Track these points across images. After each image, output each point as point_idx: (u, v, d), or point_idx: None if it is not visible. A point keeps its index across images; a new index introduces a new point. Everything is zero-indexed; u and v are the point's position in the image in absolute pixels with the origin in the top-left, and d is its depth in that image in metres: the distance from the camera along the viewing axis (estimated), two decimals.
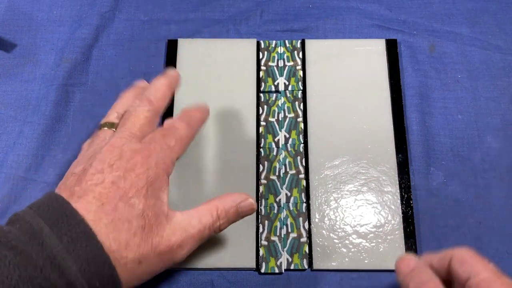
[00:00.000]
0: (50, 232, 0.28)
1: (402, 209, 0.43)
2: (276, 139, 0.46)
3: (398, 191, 0.44)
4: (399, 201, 0.43)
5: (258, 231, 0.42)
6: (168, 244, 0.32)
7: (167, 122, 0.37)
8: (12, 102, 0.48)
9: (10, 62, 0.50)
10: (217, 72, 0.48)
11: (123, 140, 0.33)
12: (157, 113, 0.37)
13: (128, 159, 0.31)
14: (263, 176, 0.44)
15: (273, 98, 0.47)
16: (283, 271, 0.41)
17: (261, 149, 0.45)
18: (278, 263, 0.41)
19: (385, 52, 0.49)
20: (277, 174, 0.44)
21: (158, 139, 0.34)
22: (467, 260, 0.30)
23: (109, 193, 0.30)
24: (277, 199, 0.43)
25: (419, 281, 0.30)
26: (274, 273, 0.42)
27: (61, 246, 0.27)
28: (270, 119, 0.47)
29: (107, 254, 0.28)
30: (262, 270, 0.41)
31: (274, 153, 0.45)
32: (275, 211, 0.43)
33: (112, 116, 0.38)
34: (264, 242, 0.42)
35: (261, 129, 0.46)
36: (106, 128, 0.37)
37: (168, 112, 0.47)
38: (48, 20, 0.52)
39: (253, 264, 0.41)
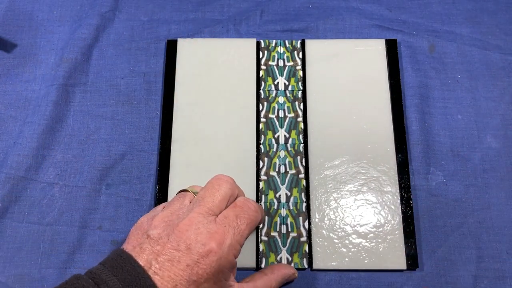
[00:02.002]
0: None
1: (402, 209, 0.43)
2: (276, 136, 0.46)
3: (398, 191, 0.44)
4: (399, 201, 0.43)
5: (258, 227, 0.42)
6: None
7: (240, 200, 0.38)
8: (12, 102, 0.48)
9: (10, 62, 0.50)
10: (217, 72, 0.48)
11: (201, 217, 0.34)
12: (234, 196, 0.38)
13: (204, 244, 0.33)
14: (263, 172, 0.44)
15: (273, 95, 0.47)
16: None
17: (261, 146, 0.45)
18: (278, 258, 0.42)
19: (385, 52, 0.49)
20: (277, 170, 0.45)
21: (231, 220, 0.35)
22: None
23: (183, 276, 0.31)
24: (277, 195, 0.44)
25: None
26: None
27: None
28: (270, 115, 0.47)
29: None
30: (262, 266, 0.41)
31: (274, 150, 0.45)
32: (275, 207, 0.43)
33: (197, 187, 0.39)
34: (264, 238, 0.42)
35: (261, 125, 0.46)
36: (188, 192, 0.38)
37: (168, 111, 0.47)
38: (48, 20, 0.52)
39: (253, 264, 0.41)
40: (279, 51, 0.49)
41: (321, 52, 0.49)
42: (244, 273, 0.42)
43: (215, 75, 0.48)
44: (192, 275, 0.32)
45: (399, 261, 0.41)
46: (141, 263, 0.32)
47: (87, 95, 0.48)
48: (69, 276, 0.42)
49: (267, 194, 0.44)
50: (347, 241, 0.42)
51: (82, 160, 0.46)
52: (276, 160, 0.45)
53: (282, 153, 0.45)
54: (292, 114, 0.47)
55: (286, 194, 0.44)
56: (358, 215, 0.43)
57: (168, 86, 0.48)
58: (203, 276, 0.32)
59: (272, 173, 0.45)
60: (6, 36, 0.51)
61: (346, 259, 0.41)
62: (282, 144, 0.45)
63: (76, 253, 0.43)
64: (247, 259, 0.41)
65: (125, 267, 0.31)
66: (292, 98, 0.47)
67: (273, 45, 0.49)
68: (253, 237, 0.42)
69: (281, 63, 0.49)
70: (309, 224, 0.43)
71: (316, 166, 0.45)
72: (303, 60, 0.49)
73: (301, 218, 0.43)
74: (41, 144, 0.46)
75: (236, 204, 0.37)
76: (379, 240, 0.42)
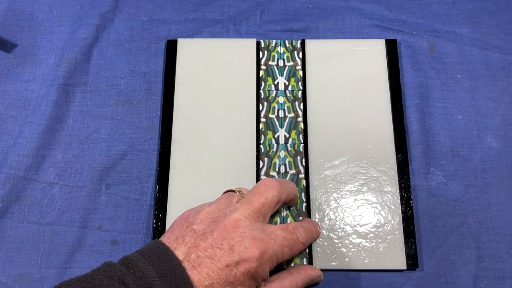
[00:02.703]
0: (160, 285, 0.30)
1: (402, 209, 0.43)
2: (276, 136, 0.46)
3: (398, 191, 0.44)
4: (399, 201, 0.43)
5: None
6: None
7: (292, 225, 0.38)
8: (12, 102, 0.48)
9: (10, 62, 0.50)
10: (217, 72, 0.48)
11: (247, 221, 0.34)
12: (280, 201, 0.37)
13: (247, 247, 0.33)
14: (263, 172, 0.44)
15: (273, 95, 0.47)
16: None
17: (261, 146, 0.45)
18: None
19: (385, 52, 0.49)
20: (277, 170, 0.45)
21: (278, 238, 0.35)
22: None
23: (221, 275, 0.32)
24: None
25: None
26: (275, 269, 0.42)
27: None
28: (270, 115, 0.47)
29: None
30: None
31: (274, 150, 0.45)
32: None
33: (245, 190, 0.39)
34: None
35: (261, 125, 0.46)
36: (235, 192, 0.38)
37: (168, 111, 0.47)
38: (48, 20, 0.52)
39: None
40: (279, 51, 0.49)
41: (321, 52, 0.49)
42: None
43: (215, 75, 0.48)
44: (229, 276, 0.32)
45: (399, 261, 0.41)
46: (180, 255, 0.32)
47: (87, 95, 0.48)
48: (69, 276, 0.42)
49: None
50: (347, 241, 0.42)
51: (82, 160, 0.46)
52: (276, 160, 0.45)
53: (282, 153, 0.45)
54: (292, 114, 0.47)
55: None
56: (358, 215, 0.43)
57: (168, 86, 0.48)
58: (240, 279, 0.32)
59: (272, 173, 0.45)
60: (6, 36, 0.51)
61: (346, 259, 0.41)
62: (282, 144, 0.46)
63: (76, 253, 0.43)
64: None
65: (162, 257, 0.31)
66: (292, 98, 0.47)
67: (273, 45, 0.49)
68: None
69: (281, 63, 0.49)
70: None
71: (316, 166, 0.45)
72: (303, 60, 0.49)
73: (301, 218, 0.43)
74: (41, 144, 0.46)
75: (288, 228, 0.37)
76: (379, 240, 0.42)
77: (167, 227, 0.43)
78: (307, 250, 0.42)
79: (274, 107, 0.47)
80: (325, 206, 0.43)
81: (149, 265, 0.30)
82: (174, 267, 0.31)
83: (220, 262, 0.32)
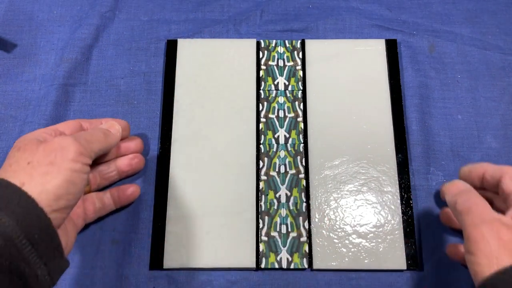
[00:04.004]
0: None
1: (402, 209, 0.43)
2: (276, 136, 0.46)
3: (398, 191, 0.44)
4: (399, 201, 0.43)
5: (258, 227, 0.42)
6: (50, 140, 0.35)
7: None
8: (12, 102, 0.48)
9: (10, 62, 0.50)
10: (217, 72, 0.48)
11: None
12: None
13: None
14: (263, 172, 0.44)
15: (273, 95, 0.47)
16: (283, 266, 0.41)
17: (261, 146, 0.45)
18: (278, 258, 0.42)
19: (385, 52, 0.49)
20: (277, 170, 0.45)
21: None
22: None
23: (20, 159, 0.33)
24: (277, 195, 0.44)
25: (467, 199, 0.34)
26: (275, 269, 0.42)
27: None
28: (270, 115, 0.47)
29: (40, 206, 0.30)
30: (262, 266, 0.41)
31: (274, 150, 0.45)
32: (275, 207, 0.43)
33: None
34: (264, 238, 0.42)
35: (261, 125, 0.46)
36: None
37: (168, 111, 0.47)
38: (48, 20, 0.52)
39: (253, 264, 0.41)
40: (279, 51, 0.49)
41: (321, 52, 0.49)
42: (245, 274, 0.42)
43: (215, 75, 0.48)
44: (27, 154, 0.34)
45: (399, 261, 0.41)
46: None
47: (87, 95, 0.48)
48: (69, 276, 0.43)
49: (267, 194, 0.44)
50: (347, 241, 0.42)
51: None
52: (276, 160, 0.45)
53: (282, 153, 0.45)
54: (292, 114, 0.47)
55: (286, 194, 0.44)
56: (358, 215, 0.43)
57: (168, 86, 0.48)
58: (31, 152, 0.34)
59: (272, 173, 0.45)
60: (6, 36, 0.51)
61: (346, 259, 0.41)
62: (282, 144, 0.46)
63: (76, 253, 0.43)
64: (247, 259, 0.41)
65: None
66: (292, 98, 0.47)
67: (273, 45, 0.49)
68: (253, 237, 0.42)
69: (281, 63, 0.49)
70: (309, 224, 0.43)
71: (316, 166, 0.45)
72: (303, 60, 0.49)
73: (301, 218, 0.43)
74: None
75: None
76: (379, 240, 0.42)
77: (167, 227, 0.43)
78: (307, 250, 0.42)
79: (274, 107, 0.47)
80: (325, 206, 0.43)
81: None
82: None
83: (21, 160, 0.33)
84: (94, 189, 0.42)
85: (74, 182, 0.33)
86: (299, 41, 0.50)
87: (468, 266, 0.32)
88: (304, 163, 0.45)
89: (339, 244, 0.42)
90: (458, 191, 0.36)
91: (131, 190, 0.43)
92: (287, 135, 0.46)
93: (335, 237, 0.42)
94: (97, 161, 0.41)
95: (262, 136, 0.46)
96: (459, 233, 0.43)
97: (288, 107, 0.47)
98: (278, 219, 0.43)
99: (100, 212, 0.42)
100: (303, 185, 0.44)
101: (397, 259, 0.41)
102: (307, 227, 0.43)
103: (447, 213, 0.41)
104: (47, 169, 0.32)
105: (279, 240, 0.42)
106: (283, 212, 0.43)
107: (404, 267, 0.41)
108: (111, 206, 0.42)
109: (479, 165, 0.39)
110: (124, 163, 0.43)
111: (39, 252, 0.30)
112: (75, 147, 0.34)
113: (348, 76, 0.48)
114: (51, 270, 0.31)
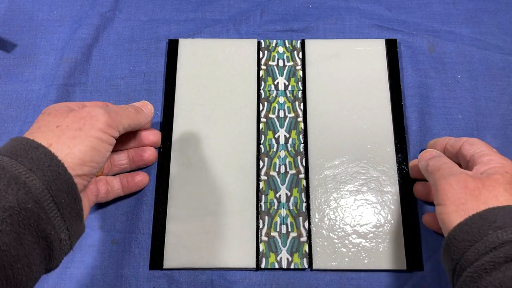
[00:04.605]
0: (9, 159, 0.30)
1: (402, 209, 0.43)
2: (276, 136, 0.46)
3: (398, 191, 0.44)
4: (399, 201, 0.43)
5: (258, 227, 0.42)
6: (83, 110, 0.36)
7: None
8: (12, 102, 0.48)
9: (10, 62, 0.50)
10: (217, 72, 0.48)
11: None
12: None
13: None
14: (263, 172, 0.44)
15: (274, 95, 0.47)
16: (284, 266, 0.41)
17: (261, 146, 0.45)
18: (278, 258, 0.42)
19: (385, 52, 0.49)
20: (277, 170, 0.45)
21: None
22: (476, 143, 0.38)
23: (50, 122, 0.34)
24: (277, 195, 0.44)
25: (437, 161, 0.38)
26: (275, 269, 0.42)
27: (23, 168, 0.29)
28: (271, 115, 0.47)
29: (68, 171, 0.31)
30: (262, 266, 0.41)
31: (274, 150, 0.45)
32: (275, 207, 0.43)
33: None
34: (264, 238, 0.42)
35: (261, 125, 0.46)
36: None
37: (169, 111, 0.47)
38: (48, 20, 0.52)
39: (253, 264, 0.41)
40: (279, 51, 0.49)
41: (321, 52, 0.49)
42: (245, 274, 0.42)
43: (216, 75, 0.48)
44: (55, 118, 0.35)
45: (399, 261, 0.41)
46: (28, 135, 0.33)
47: (87, 95, 0.48)
48: (69, 276, 0.43)
49: (267, 194, 0.44)
50: (347, 241, 0.42)
51: None
52: (276, 160, 0.45)
53: (282, 153, 0.45)
54: (292, 114, 0.47)
55: (286, 194, 0.44)
56: (358, 215, 0.43)
57: (170, 86, 0.48)
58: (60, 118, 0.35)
59: (272, 173, 0.45)
60: (6, 36, 0.51)
61: (346, 259, 0.41)
62: (282, 144, 0.46)
63: (76, 253, 0.43)
64: (247, 259, 0.41)
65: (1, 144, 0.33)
66: (292, 98, 0.47)
67: (274, 45, 0.49)
68: (253, 237, 0.42)
69: (281, 63, 0.49)
70: (309, 224, 0.43)
71: (316, 166, 0.45)
72: (303, 60, 0.49)
73: (301, 218, 0.43)
74: None
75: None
76: (379, 240, 0.42)
77: (167, 227, 0.43)
78: (307, 250, 0.42)
79: (274, 107, 0.47)
80: (325, 206, 0.43)
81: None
82: (21, 141, 0.31)
83: (50, 123, 0.34)
84: (105, 173, 0.43)
85: (99, 151, 0.34)
86: (299, 41, 0.50)
87: (438, 219, 0.35)
88: (304, 163, 0.45)
89: (339, 244, 0.42)
90: (430, 156, 0.40)
91: (140, 177, 0.43)
92: (287, 135, 0.46)
93: (335, 237, 0.42)
94: (114, 147, 0.40)
95: (263, 136, 0.46)
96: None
97: (288, 107, 0.47)
98: (278, 219, 0.43)
99: (109, 195, 0.42)
100: (303, 185, 0.44)
101: (397, 259, 0.41)
102: (307, 227, 0.43)
103: (429, 216, 0.42)
104: (75, 134, 0.33)
105: (279, 240, 0.42)
106: (283, 212, 0.43)
107: (404, 267, 0.41)
108: (120, 192, 0.43)
109: (441, 138, 0.43)
110: (138, 154, 0.43)
111: (64, 216, 0.31)
112: (104, 117, 0.35)
113: (348, 76, 0.48)
114: (72, 235, 0.32)
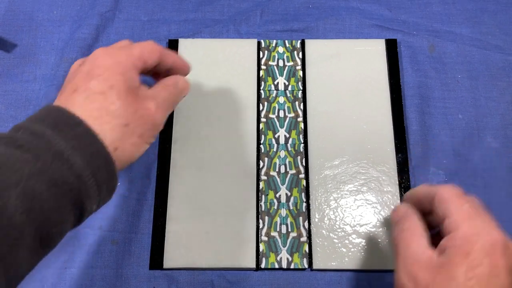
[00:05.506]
0: (53, 133, 0.30)
1: None
2: (276, 136, 0.46)
3: (398, 191, 0.44)
4: (399, 201, 0.43)
5: (258, 227, 0.42)
6: (147, 108, 0.35)
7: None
8: (12, 102, 0.48)
9: (10, 62, 0.50)
10: (217, 72, 0.48)
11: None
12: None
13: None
14: (263, 172, 0.44)
15: (274, 95, 0.47)
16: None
17: (261, 146, 0.45)
18: (278, 258, 0.42)
19: (385, 52, 0.49)
20: (277, 170, 0.45)
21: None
22: (446, 200, 0.31)
23: (80, 79, 0.33)
24: (277, 195, 0.44)
25: (399, 232, 0.33)
26: (275, 269, 0.42)
27: (66, 144, 0.30)
28: (271, 115, 0.47)
29: (107, 150, 0.31)
30: (262, 266, 0.41)
31: (274, 150, 0.45)
32: (275, 207, 0.43)
33: None
34: (264, 238, 0.42)
35: (261, 125, 0.46)
36: None
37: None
38: (48, 20, 0.52)
39: (253, 264, 0.41)
40: (279, 51, 0.49)
41: (321, 52, 0.49)
42: (245, 274, 0.42)
43: (216, 75, 0.48)
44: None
45: None
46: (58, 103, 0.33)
47: None
48: (69, 276, 0.43)
49: (267, 194, 0.44)
50: (347, 241, 0.42)
51: None
52: (276, 160, 0.45)
53: (282, 153, 0.45)
54: (292, 114, 0.47)
55: (286, 194, 0.44)
56: (358, 215, 0.43)
57: None
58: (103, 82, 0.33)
59: (272, 173, 0.45)
60: (6, 36, 0.51)
61: (346, 259, 0.41)
62: (282, 144, 0.46)
63: (76, 253, 0.43)
64: (247, 259, 0.41)
65: (43, 112, 0.32)
66: (292, 98, 0.47)
67: (274, 45, 0.49)
68: (253, 237, 0.42)
69: (281, 63, 0.49)
70: (309, 224, 0.43)
71: (316, 166, 0.45)
72: (303, 60, 0.49)
73: (301, 218, 0.43)
74: None
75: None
76: (379, 240, 0.42)
77: (167, 227, 0.43)
78: (307, 250, 0.42)
79: (274, 107, 0.47)
80: (325, 206, 0.43)
81: (38, 123, 0.31)
82: (64, 115, 0.31)
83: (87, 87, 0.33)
84: None
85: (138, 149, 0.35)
86: (299, 41, 0.50)
87: None
88: (304, 163, 0.45)
89: (339, 244, 0.42)
90: (397, 218, 0.34)
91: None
92: (287, 135, 0.46)
93: (335, 237, 0.42)
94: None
95: (263, 136, 0.46)
96: None
97: (288, 107, 0.47)
98: (278, 219, 0.43)
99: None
100: (303, 185, 0.44)
101: None
102: (307, 227, 0.43)
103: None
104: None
105: (279, 240, 0.42)
106: (283, 212, 0.43)
107: None
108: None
109: (417, 188, 0.36)
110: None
111: (101, 191, 0.31)
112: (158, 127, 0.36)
113: (348, 76, 0.48)
114: (100, 205, 0.33)
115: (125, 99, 0.33)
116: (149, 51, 0.36)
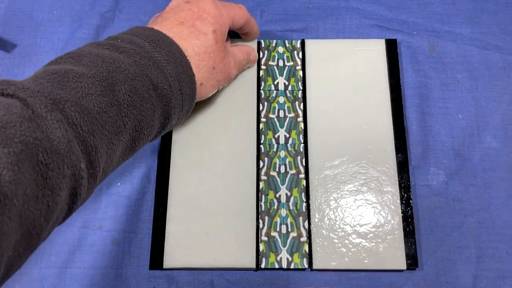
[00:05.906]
0: (150, 46, 0.35)
1: (401, 209, 0.43)
2: (276, 136, 0.46)
3: (398, 191, 0.44)
4: (398, 201, 0.43)
5: (258, 227, 0.42)
6: (228, 61, 0.42)
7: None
8: None
9: (10, 62, 0.50)
10: None
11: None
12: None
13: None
14: (263, 172, 0.44)
15: (273, 95, 0.47)
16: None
17: (261, 146, 0.45)
18: (278, 258, 0.42)
19: (385, 52, 0.49)
20: (277, 170, 0.45)
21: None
22: None
23: (187, 16, 0.39)
24: (277, 195, 0.44)
25: None
26: (275, 269, 0.42)
27: (162, 58, 0.35)
28: (271, 115, 0.47)
29: (192, 70, 0.37)
30: (262, 266, 0.41)
31: (274, 150, 0.45)
32: (275, 207, 0.43)
33: None
34: (264, 238, 0.42)
35: (261, 125, 0.46)
36: None
37: None
38: (48, 20, 0.52)
39: (253, 264, 0.41)
40: (279, 51, 0.49)
41: (321, 52, 0.49)
42: (245, 274, 0.42)
43: None
44: (193, 13, 0.40)
45: (399, 261, 0.41)
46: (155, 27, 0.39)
47: None
48: (69, 276, 0.43)
49: (267, 194, 0.44)
50: (347, 241, 0.42)
51: None
52: (276, 160, 0.45)
53: (282, 153, 0.45)
54: (292, 114, 0.47)
55: (286, 194, 0.44)
56: (358, 215, 0.43)
57: None
58: (203, 14, 0.40)
59: (272, 173, 0.45)
60: (6, 36, 0.51)
61: (346, 259, 0.41)
62: (282, 144, 0.46)
63: (76, 253, 0.43)
64: (247, 259, 0.41)
65: (136, 29, 0.38)
66: (292, 98, 0.47)
67: (273, 45, 0.49)
68: (253, 237, 0.42)
69: (281, 63, 0.49)
70: (309, 224, 0.43)
71: (316, 166, 0.45)
72: (303, 60, 0.49)
73: (301, 218, 0.43)
74: None
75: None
76: (379, 240, 0.42)
77: (167, 227, 0.43)
78: (307, 250, 0.42)
79: (274, 107, 0.47)
80: (325, 206, 0.43)
81: (136, 36, 0.36)
82: (156, 33, 0.37)
83: (182, 11, 0.40)
84: None
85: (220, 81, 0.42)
86: (299, 41, 0.50)
87: None
88: (304, 163, 0.45)
89: (339, 244, 0.42)
90: None
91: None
92: (287, 135, 0.46)
93: (335, 237, 0.42)
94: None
95: (262, 136, 0.46)
96: (458, 233, 0.43)
97: (288, 107, 0.47)
98: (278, 219, 0.43)
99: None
100: (303, 185, 0.44)
101: (397, 259, 0.41)
102: (307, 227, 0.43)
103: None
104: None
105: (279, 240, 0.42)
106: (283, 212, 0.43)
107: (404, 267, 0.41)
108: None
109: None
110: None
111: (184, 104, 0.37)
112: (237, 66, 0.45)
113: (348, 76, 0.48)
114: (178, 122, 0.39)
115: (219, 46, 0.39)
116: (241, 15, 0.43)
